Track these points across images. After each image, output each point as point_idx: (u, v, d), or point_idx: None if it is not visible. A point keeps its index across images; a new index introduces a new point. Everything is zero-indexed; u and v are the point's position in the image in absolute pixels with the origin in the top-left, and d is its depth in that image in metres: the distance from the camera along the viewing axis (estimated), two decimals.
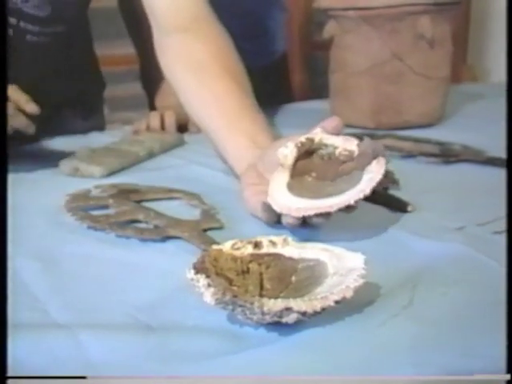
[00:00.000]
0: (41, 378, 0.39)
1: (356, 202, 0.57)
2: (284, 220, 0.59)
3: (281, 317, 0.42)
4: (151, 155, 0.94)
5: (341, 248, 0.48)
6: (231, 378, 0.39)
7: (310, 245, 0.50)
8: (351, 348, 0.42)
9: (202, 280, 0.44)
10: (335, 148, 0.61)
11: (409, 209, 0.67)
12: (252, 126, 0.72)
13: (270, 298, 0.44)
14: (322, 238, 0.57)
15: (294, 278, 0.48)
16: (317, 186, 0.60)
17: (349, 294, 0.42)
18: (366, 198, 0.68)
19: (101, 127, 1.18)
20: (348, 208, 0.57)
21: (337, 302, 0.42)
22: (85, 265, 0.58)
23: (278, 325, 0.43)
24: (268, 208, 0.60)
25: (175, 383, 0.40)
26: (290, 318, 0.41)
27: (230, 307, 0.42)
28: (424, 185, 0.78)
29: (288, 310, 0.41)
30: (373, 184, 0.57)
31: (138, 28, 1.10)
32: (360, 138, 0.63)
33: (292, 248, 0.50)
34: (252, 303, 0.41)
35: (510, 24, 0.56)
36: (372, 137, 0.99)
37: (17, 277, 0.55)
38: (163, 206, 0.72)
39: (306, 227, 0.59)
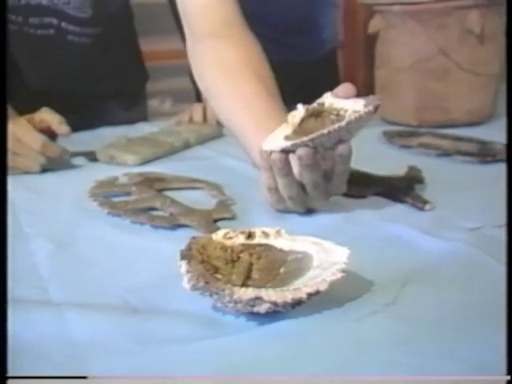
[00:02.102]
0: (41, 378, 0.40)
1: (330, 131, 0.57)
2: (271, 158, 0.60)
3: (253, 306, 0.42)
4: (187, 146, 0.96)
5: (330, 242, 0.48)
6: (231, 378, 0.40)
7: (301, 237, 0.50)
8: (322, 341, 0.41)
9: (183, 266, 0.44)
10: (345, 111, 0.61)
11: (426, 207, 0.65)
12: (279, 126, 0.72)
13: (255, 287, 0.44)
14: (323, 231, 0.57)
15: (282, 270, 0.48)
16: None
17: (323, 287, 0.42)
18: (386, 194, 0.68)
19: (144, 118, 1.21)
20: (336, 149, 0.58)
21: (311, 295, 0.42)
22: (95, 248, 0.60)
23: (258, 315, 0.44)
24: (264, 155, 0.61)
25: (175, 383, 0.41)
26: (262, 308, 0.41)
27: (207, 294, 0.43)
28: (452, 183, 0.75)
29: (259, 299, 0.41)
30: (350, 119, 0.58)
31: None
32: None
33: (284, 240, 0.50)
34: (223, 290, 0.41)
35: (509, 24, 0.54)
36: (411, 134, 0.98)
37: (30, 256, 0.58)
38: (186, 195, 0.73)
39: (291, 169, 0.60)
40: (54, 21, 1.02)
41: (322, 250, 0.47)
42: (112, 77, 1.14)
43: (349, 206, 0.68)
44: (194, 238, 0.49)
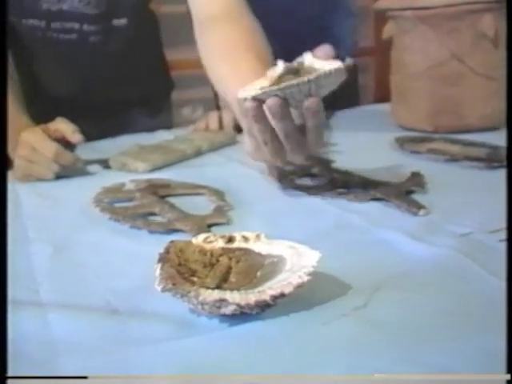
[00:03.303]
0: (41, 378, 0.42)
1: (299, 83, 0.60)
2: (244, 106, 0.63)
3: (219, 307, 0.43)
4: (199, 153, 0.97)
5: (305, 246, 0.48)
6: (231, 378, 0.41)
7: (278, 241, 0.50)
8: (287, 343, 0.42)
9: (157, 269, 0.46)
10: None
11: (421, 212, 0.65)
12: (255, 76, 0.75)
13: (231, 290, 0.45)
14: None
15: (259, 273, 0.48)
16: None
17: (288, 290, 0.43)
18: (383, 199, 0.68)
19: (168, 126, 1.24)
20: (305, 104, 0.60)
21: (276, 297, 0.43)
22: (90, 252, 0.62)
23: (230, 316, 0.45)
24: (240, 102, 0.64)
25: (175, 383, 0.42)
26: (228, 310, 0.42)
27: (177, 296, 0.44)
28: (454, 189, 0.75)
29: (223, 301, 0.42)
30: (319, 73, 0.60)
31: None
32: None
33: (262, 244, 0.51)
34: (189, 292, 0.43)
35: (509, 24, 0.53)
36: (423, 139, 0.97)
37: (28, 259, 0.60)
38: (188, 201, 0.75)
39: (264, 115, 0.62)
40: (76, 25, 1.06)
41: (296, 254, 0.48)
42: (136, 83, 1.16)
43: (344, 210, 0.68)
44: (172, 241, 0.50)
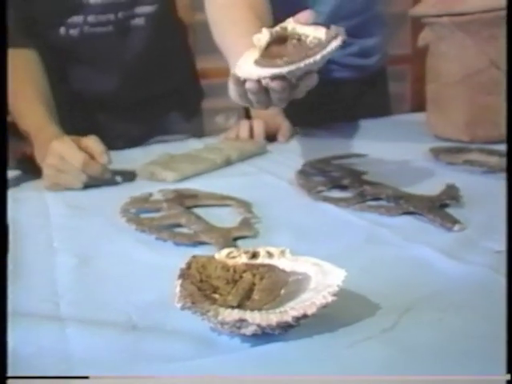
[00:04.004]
0: (41, 378, 0.41)
1: (305, 65, 0.60)
2: (246, 87, 0.64)
3: (240, 328, 0.41)
4: (228, 163, 0.96)
5: (330, 264, 0.46)
6: (231, 378, 0.39)
7: (303, 258, 0.48)
8: (309, 366, 0.40)
9: (178, 285, 0.44)
10: (306, 37, 0.64)
11: (456, 228, 0.62)
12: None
13: (253, 309, 0.44)
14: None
15: (283, 291, 0.47)
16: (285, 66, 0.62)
17: (311, 311, 0.41)
18: (415, 213, 0.66)
19: (199, 134, 1.23)
20: (304, 79, 0.62)
21: (298, 318, 0.41)
22: (115, 263, 0.61)
23: (252, 336, 0.43)
24: (236, 80, 0.65)
25: (176, 383, 0.41)
26: (248, 330, 0.41)
27: (197, 314, 0.43)
28: (491, 202, 0.71)
29: (243, 321, 0.40)
30: (323, 53, 0.60)
31: None
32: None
33: (286, 260, 0.49)
34: (208, 311, 0.41)
35: (509, 24, 0.51)
36: (460, 150, 0.94)
37: (51, 271, 0.60)
38: (215, 213, 0.74)
39: (269, 98, 0.64)
40: (112, 16, 1.06)
41: (321, 272, 0.46)
42: (167, 86, 1.16)
43: (374, 224, 0.66)
44: (194, 256, 0.48)
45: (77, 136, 0.89)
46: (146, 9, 1.09)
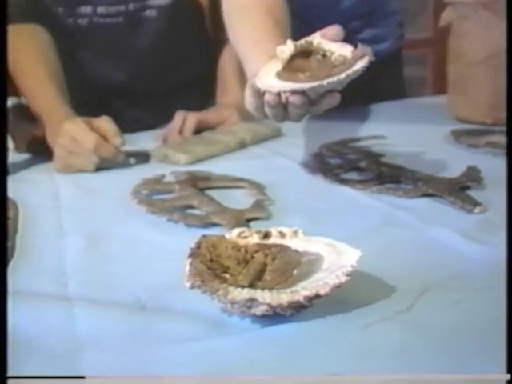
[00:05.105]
0: (41, 378, 0.41)
1: (329, 83, 0.59)
2: (265, 99, 0.63)
3: (250, 307, 0.40)
4: (242, 145, 0.95)
5: (345, 244, 0.45)
6: (232, 378, 0.39)
7: (316, 238, 0.48)
8: (321, 348, 0.39)
9: (188, 264, 0.44)
10: (332, 53, 0.63)
11: (476, 210, 0.61)
12: (274, 48, 0.72)
13: (264, 289, 0.43)
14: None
15: (295, 272, 0.46)
16: (306, 81, 0.61)
17: (323, 291, 0.40)
18: (435, 195, 0.64)
19: None
20: (325, 97, 0.61)
21: (311, 298, 0.40)
22: (125, 245, 0.61)
23: (263, 317, 0.42)
24: (255, 92, 0.64)
25: (176, 383, 0.41)
26: (259, 310, 0.40)
27: (207, 294, 0.42)
28: None
29: (253, 300, 0.40)
30: (348, 72, 0.59)
31: None
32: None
33: (299, 241, 0.48)
34: (218, 290, 0.40)
35: (509, 24, 0.50)
36: (482, 133, 0.92)
37: (61, 253, 0.60)
38: (229, 195, 0.73)
39: (286, 112, 0.63)
40: (122, 8, 1.05)
41: (335, 252, 0.45)
42: (182, 71, 1.15)
43: (392, 206, 0.65)
44: (204, 236, 0.48)
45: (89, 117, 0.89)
46: (159, 1, 1.08)
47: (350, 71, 0.59)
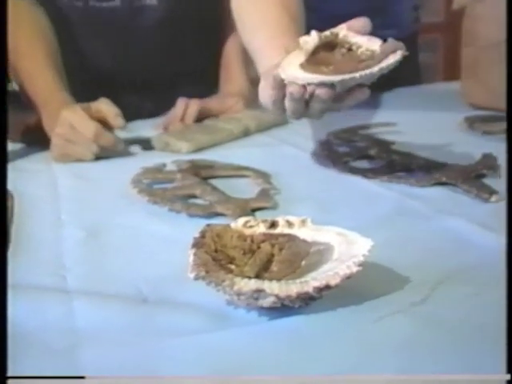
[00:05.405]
0: (41, 378, 0.41)
1: (361, 76, 0.57)
2: (288, 90, 0.61)
3: (257, 299, 0.40)
4: (246, 133, 0.95)
5: (355, 233, 0.45)
6: (233, 378, 0.39)
7: (325, 228, 0.47)
8: (331, 342, 0.39)
9: (191, 254, 0.44)
10: (358, 47, 0.61)
11: (492, 199, 0.61)
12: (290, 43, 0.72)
13: (271, 280, 0.43)
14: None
15: (304, 263, 0.46)
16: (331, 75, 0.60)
17: (334, 282, 0.40)
18: (449, 183, 0.64)
19: None
20: (353, 91, 0.59)
21: (320, 289, 0.40)
22: (125, 236, 0.61)
23: (270, 309, 0.42)
24: (277, 83, 0.62)
25: (177, 383, 0.40)
26: (266, 302, 0.40)
27: (211, 285, 0.42)
28: None
29: (261, 291, 0.39)
30: (382, 66, 0.58)
31: None
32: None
33: (308, 230, 0.48)
34: (223, 281, 0.40)
35: (510, 24, 0.50)
36: (497, 119, 0.92)
37: (59, 244, 0.59)
38: (232, 184, 0.73)
39: (309, 105, 0.61)
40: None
41: (345, 242, 0.44)
42: (183, 57, 1.14)
43: (404, 195, 0.65)
44: (208, 225, 0.48)
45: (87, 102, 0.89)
46: None
47: (383, 64, 0.58)
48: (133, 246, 0.58)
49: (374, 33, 1.19)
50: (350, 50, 0.62)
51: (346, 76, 0.58)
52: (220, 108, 1.04)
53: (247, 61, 1.18)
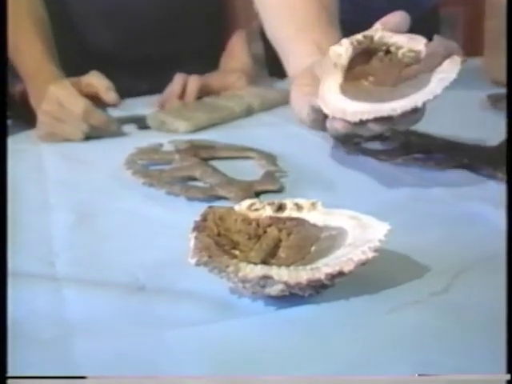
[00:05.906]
0: (41, 378, 0.41)
1: (424, 103, 0.53)
2: (330, 125, 0.56)
3: (264, 286, 0.40)
4: (249, 112, 0.95)
5: (371, 217, 0.45)
6: (235, 379, 0.39)
7: (337, 211, 0.47)
8: (343, 334, 0.39)
9: (192, 238, 0.43)
10: (398, 48, 0.57)
11: None
12: (321, 36, 0.70)
13: (279, 266, 0.42)
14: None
15: (313, 248, 0.45)
16: (375, 91, 0.55)
17: (347, 268, 0.39)
18: (470, 166, 0.64)
19: None
20: (414, 113, 0.53)
21: (333, 276, 0.39)
22: (119, 221, 0.60)
23: (277, 299, 0.42)
24: (316, 111, 0.58)
25: (177, 383, 0.40)
26: (274, 289, 0.40)
27: (214, 271, 0.41)
28: None
29: (268, 278, 0.39)
30: (445, 84, 0.53)
31: None
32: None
33: (318, 214, 0.47)
34: (227, 266, 0.40)
35: (510, 24, 0.51)
36: None
37: (47, 228, 0.59)
38: (235, 166, 0.73)
39: (357, 138, 0.58)
40: None
41: (359, 226, 0.44)
42: (184, 35, 1.14)
43: (420, 179, 0.64)
44: (210, 207, 0.47)
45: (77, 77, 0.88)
46: None
47: (446, 83, 0.53)
48: (128, 230, 0.58)
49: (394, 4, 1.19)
50: (388, 52, 0.57)
51: (407, 106, 0.52)
52: (221, 84, 1.03)
53: (250, 36, 1.18)
